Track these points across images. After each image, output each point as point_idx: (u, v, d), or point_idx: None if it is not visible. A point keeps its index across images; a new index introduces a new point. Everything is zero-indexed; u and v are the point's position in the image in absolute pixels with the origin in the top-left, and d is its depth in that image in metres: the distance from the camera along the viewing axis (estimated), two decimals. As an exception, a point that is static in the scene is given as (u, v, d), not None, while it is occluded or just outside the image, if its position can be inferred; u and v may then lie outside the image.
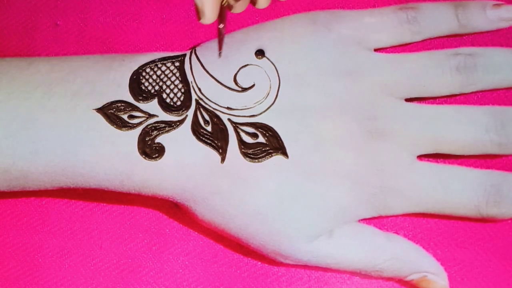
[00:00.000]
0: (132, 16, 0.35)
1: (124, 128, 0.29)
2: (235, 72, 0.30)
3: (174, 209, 0.33)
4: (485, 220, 0.31)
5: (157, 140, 0.29)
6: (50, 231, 0.33)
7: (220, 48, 0.29)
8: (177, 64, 0.30)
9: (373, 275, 0.30)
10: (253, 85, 0.30)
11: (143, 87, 0.30)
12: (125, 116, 0.29)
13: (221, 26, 0.27)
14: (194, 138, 0.29)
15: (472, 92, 0.32)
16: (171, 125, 0.29)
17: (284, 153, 0.29)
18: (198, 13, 0.26)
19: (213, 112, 0.29)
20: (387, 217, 0.32)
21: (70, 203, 0.33)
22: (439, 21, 0.32)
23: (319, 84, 0.30)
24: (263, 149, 0.29)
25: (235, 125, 0.29)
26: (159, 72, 0.30)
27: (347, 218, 0.30)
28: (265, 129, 0.29)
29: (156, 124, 0.29)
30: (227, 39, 0.31)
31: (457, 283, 0.31)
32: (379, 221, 0.32)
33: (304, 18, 0.32)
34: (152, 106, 0.29)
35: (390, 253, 0.30)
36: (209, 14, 0.26)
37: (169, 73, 0.30)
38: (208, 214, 0.29)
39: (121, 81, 0.29)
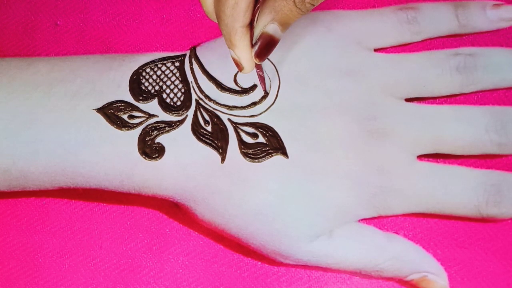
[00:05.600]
0: (132, 16, 0.35)
1: (124, 128, 0.29)
2: (235, 72, 0.30)
3: (174, 209, 0.33)
4: (485, 220, 0.31)
5: (157, 140, 0.29)
6: (50, 231, 0.33)
7: (264, 88, 0.30)
8: (177, 64, 0.30)
9: (373, 275, 0.30)
10: (253, 85, 0.30)
11: (143, 87, 0.30)
12: (125, 116, 0.29)
13: (259, 71, 0.29)
14: (194, 138, 0.29)
15: (472, 92, 0.32)
16: (171, 125, 0.29)
17: (284, 153, 0.29)
18: (237, 65, 0.27)
19: (213, 112, 0.29)
20: (387, 217, 0.32)
21: (70, 203, 0.33)
22: (439, 21, 0.32)
23: (319, 84, 0.30)
24: (263, 149, 0.29)
25: (235, 125, 0.29)
26: (159, 72, 0.30)
27: (347, 218, 0.30)
28: (265, 129, 0.29)
29: (156, 124, 0.29)
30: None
31: (457, 283, 0.31)
32: (379, 221, 0.32)
33: (304, 18, 0.32)
34: (152, 106, 0.29)
35: (390, 253, 0.30)
36: (247, 65, 0.27)
37: (169, 73, 0.30)
38: (208, 214, 0.29)
39: (121, 81, 0.29)
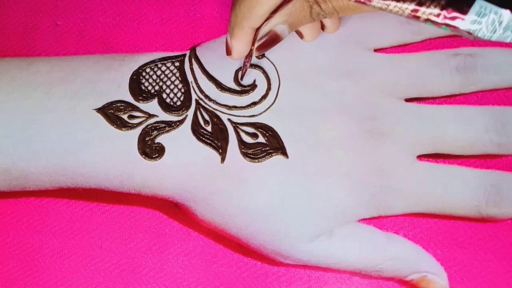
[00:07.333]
0: (132, 16, 0.35)
1: (124, 128, 0.29)
2: (235, 72, 0.30)
3: (174, 209, 0.33)
4: (485, 220, 0.31)
5: (157, 140, 0.29)
6: (50, 231, 0.33)
7: (242, 74, 0.30)
8: (177, 64, 0.30)
9: (373, 275, 0.30)
10: (253, 85, 0.30)
11: (143, 87, 0.30)
12: (125, 116, 0.29)
13: (247, 60, 0.29)
14: (194, 138, 0.29)
15: (471, 92, 0.32)
16: (171, 125, 0.29)
17: (284, 153, 0.29)
18: (226, 48, 0.29)
19: (213, 112, 0.29)
20: (387, 217, 0.32)
21: (70, 203, 0.33)
22: (439, 21, 0.32)
23: (319, 84, 0.30)
24: (263, 149, 0.29)
25: (235, 125, 0.29)
26: (159, 72, 0.30)
27: (347, 218, 0.30)
28: (265, 129, 0.29)
29: (156, 124, 0.29)
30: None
31: (457, 283, 0.31)
32: (379, 221, 0.32)
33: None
34: (152, 106, 0.29)
35: (390, 253, 0.30)
36: (236, 56, 0.28)
37: (169, 73, 0.30)
38: (208, 214, 0.29)
39: (121, 81, 0.29)
